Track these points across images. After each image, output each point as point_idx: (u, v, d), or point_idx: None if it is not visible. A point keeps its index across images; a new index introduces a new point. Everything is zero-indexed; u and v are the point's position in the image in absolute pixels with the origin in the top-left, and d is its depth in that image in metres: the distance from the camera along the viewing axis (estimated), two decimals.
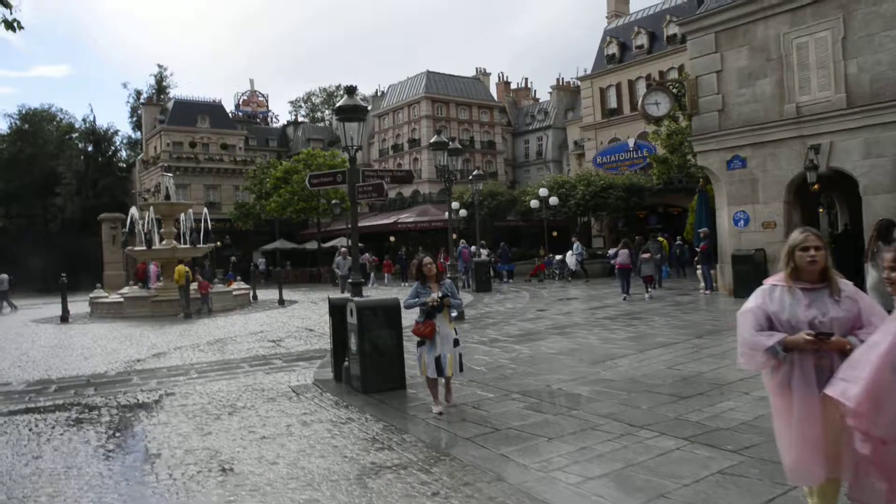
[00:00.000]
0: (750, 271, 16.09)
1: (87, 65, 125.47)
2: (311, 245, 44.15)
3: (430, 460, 5.45)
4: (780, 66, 16.13)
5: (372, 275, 30.67)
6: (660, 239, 24.31)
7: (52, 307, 23.24)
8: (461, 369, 7.25)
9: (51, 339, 15.81)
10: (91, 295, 22.17)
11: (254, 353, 11.94)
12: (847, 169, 15.15)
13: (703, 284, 18.90)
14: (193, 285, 20.12)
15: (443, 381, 7.15)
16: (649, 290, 18.03)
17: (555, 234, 42.86)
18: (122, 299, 21.29)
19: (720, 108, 17.17)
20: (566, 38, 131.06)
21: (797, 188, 16.37)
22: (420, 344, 6.98)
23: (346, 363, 8.61)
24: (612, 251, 30.11)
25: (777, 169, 16.30)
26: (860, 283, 5.62)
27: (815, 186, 16.30)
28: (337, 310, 8.97)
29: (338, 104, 8.75)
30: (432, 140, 14.84)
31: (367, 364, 8.05)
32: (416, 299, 6.94)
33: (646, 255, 18.57)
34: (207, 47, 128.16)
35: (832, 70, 15.19)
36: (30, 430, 7.08)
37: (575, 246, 28.18)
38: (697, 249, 18.07)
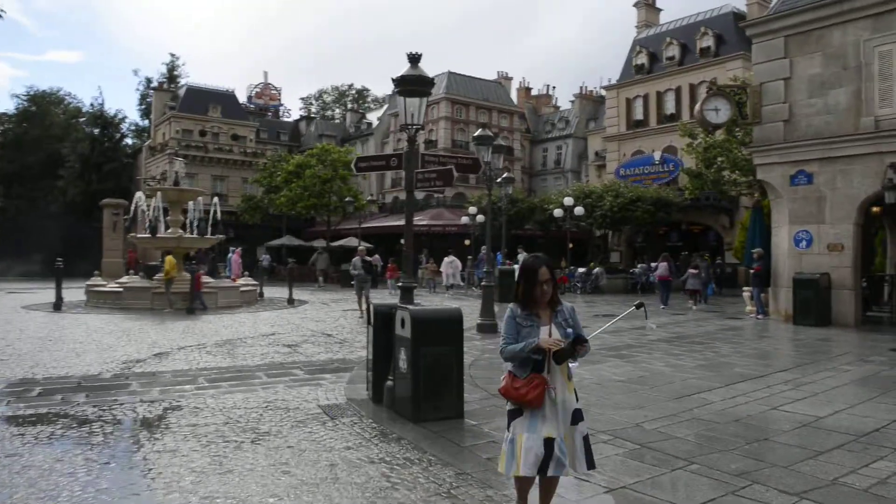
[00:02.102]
0: (813, 297, 14.73)
1: (100, 52, 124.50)
2: (319, 243, 42.67)
3: None
4: (858, 75, 14.73)
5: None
6: (706, 257, 23.46)
7: (47, 293, 21.74)
8: (590, 463, 4.00)
9: (41, 328, 14.33)
10: (88, 282, 20.67)
11: (269, 360, 10.46)
12: None
13: (749, 307, 17.51)
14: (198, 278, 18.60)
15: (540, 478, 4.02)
16: (693, 303, 19.59)
17: (570, 245, 41.54)
18: (120, 289, 19.80)
19: (786, 119, 15.76)
20: (590, 49, 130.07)
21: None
22: (515, 414, 3.96)
23: (391, 382, 7.14)
24: (636, 267, 28.88)
25: (848, 187, 14.86)
26: None
27: (876, 210, 14.95)
28: (382, 318, 7.51)
29: (400, 74, 7.31)
30: (476, 133, 13.37)
31: (421, 387, 6.59)
32: (520, 343, 3.94)
33: (694, 271, 19.72)
34: (222, 42, 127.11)
35: None
36: None
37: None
38: (751, 271, 16.59)
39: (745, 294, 17.71)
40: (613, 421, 6.76)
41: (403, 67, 7.33)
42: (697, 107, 16.78)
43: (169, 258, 19.21)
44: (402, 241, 32.46)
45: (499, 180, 25.07)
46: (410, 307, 6.78)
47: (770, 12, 16.30)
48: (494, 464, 5.35)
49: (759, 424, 6.65)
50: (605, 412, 7.14)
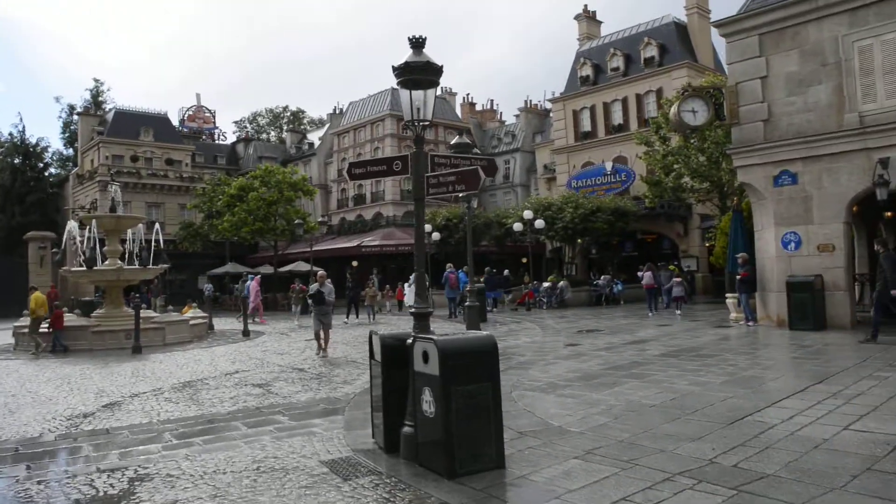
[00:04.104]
0: (808, 300, 14.12)
1: (20, 82, 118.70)
2: (266, 269, 40.78)
3: None
4: (837, 71, 14.32)
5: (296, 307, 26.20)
6: (671, 267, 23.24)
7: None
8: None
9: None
10: (16, 324, 18.55)
11: (242, 405, 9.03)
12: None
13: (734, 314, 16.90)
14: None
15: None
16: (678, 308, 20.70)
17: (524, 260, 40.83)
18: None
19: (765, 118, 15.25)
20: (529, 63, 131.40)
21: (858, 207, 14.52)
22: None
23: (410, 429, 5.92)
24: (600, 279, 28.29)
25: (835, 185, 14.38)
26: None
27: (889, 215, 14.62)
28: (392, 352, 6.29)
29: (402, 61, 6.17)
30: (453, 142, 12.28)
31: (454, 434, 5.40)
32: None
33: (678, 279, 21.33)
34: (145, 68, 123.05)
35: None
36: None
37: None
38: (737, 276, 15.95)
39: (730, 301, 17.08)
40: (680, 458, 5.70)
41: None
42: (674, 109, 16.16)
43: (35, 295, 17.38)
44: (354, 263, 30.78)
45: (461, 195, 24.14)
46: (435, 337, 5.59)
47: (742, 10, 15.81)
48: None
49: (846, 449, 5.71)
50: (663, 446, 6.09)
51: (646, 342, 13.95)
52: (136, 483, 5.64)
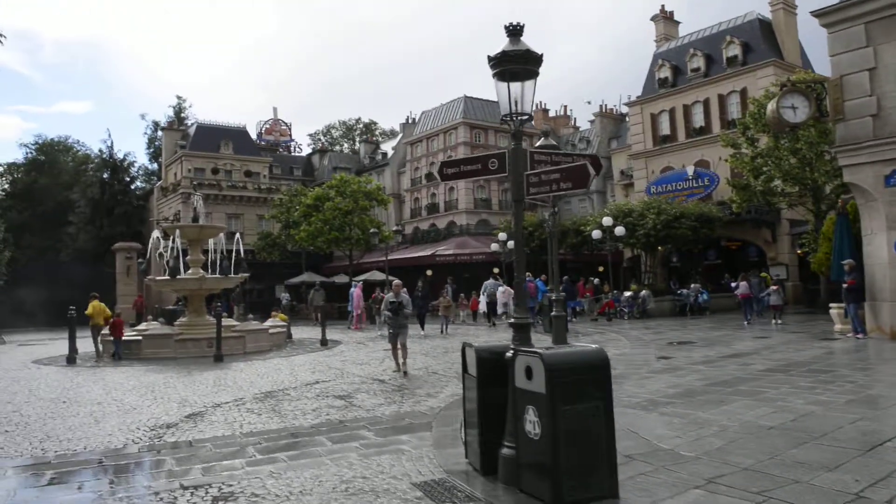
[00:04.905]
0: None
1: (107, 100, 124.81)
2: (341, 279, 41.04)
3: None
4: None
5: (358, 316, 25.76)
6: (763, 275, 22.33)
7: (59, 344, 20.13)
8: None
9: (53, 387, 12.62)
10: (103, 332, 18.97)
11: (325, 417, 8.71)
12: None
13: (839, 326, 15.66)
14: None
15: None
16: (777, 318, 20.21)
17: (601, 269, 39.67)
18: (139, 337, 18.14)
19: (874, 113, 14.08)
20: (600, 67, 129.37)
21: None
22: None
23: (510, 451, 5.40)
24: (688, 287, 27.10)
25: None
26: None
27: None
28: (488, 366, 5.80)
29: (499, 50, 5.70)
30: (538, 144, 11.71)
31: (562, 458, 4.85)
32: None
33: (775, 287, 21.11)
34: (225, 83, 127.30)
35: None
36: None
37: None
38: (843, 285, 14.76)
39: (834, 311, 15.84)
40: (820, 491, 4.99)
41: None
42: (772, 105, 15.14)
43: (94, 303, 18.12)
44: (429, 272, 30.07)
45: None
46: (540, 351, 5.06)
47: None
48: None
49: None
50: (795, 475, 5.38)
51: (746, 356, 13.00)
52: (221, 503, 5.32)
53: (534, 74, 5.72)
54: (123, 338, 17.60)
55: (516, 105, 5.74)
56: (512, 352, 5.52)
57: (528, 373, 5.12)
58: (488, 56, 5.74)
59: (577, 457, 4.90)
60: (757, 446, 6.34)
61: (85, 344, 18.17)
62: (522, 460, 5.26)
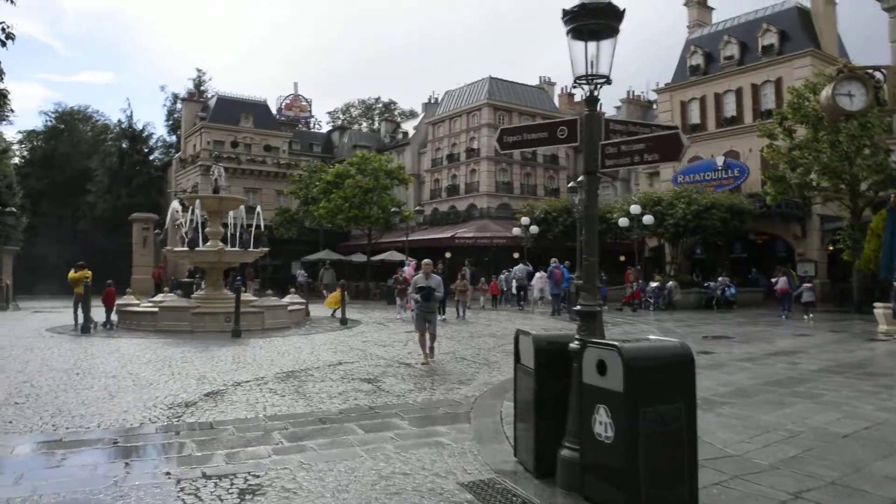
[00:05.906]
0: None
1: (128, 71, 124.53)
2: (358, 258, 40.53)
3: None
4: None
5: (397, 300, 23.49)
6: (790, 271, 22.00)
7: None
8: None
9: (67, 358, 12.17)
10: (119, 301, 18.55)
11: (353, 402, 8.15)
12: None
13: (885, 327, 14.95)
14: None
15: None
16: (810, 313, 20.30)
17: (622, 258, 38.89)
18: (156, 309, 17.68)
19: None
20: (629, 52, 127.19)
21: None
22: None
23: (572, 452, 4.81)
24: (717, 279, 26.33)
25: None
26: None
27: None
28: (549, 358, 5.19)
29: (573, 5, 5.03)
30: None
31: (640, 465, 4.25)
32: None
33: (808, 285, 21.17)
34: (245, 58, 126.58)
35: None
36: None
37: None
38: (894, 284, 14.00)
39: (880, 311, 15.10)
40: None
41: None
42: (826, 92, 14.29)
43: (71, 274, 18.21)
44: (448, 254, 29.17)
45: (570, 184, 22.68)
46: (618, 344, 4.44)
47: None
48: None
49: None
50: (889, 492, 4.78)
51: (793, 354, 12.33)
52: (248, 497, 4.77)
53: (614, 32, 5.05)
54: (137, 309, 17.14)
55: (592, 66, 5.08)
56: (578, 343, 4.92)
57: (601, 367, 4.51)
58: (563, 10, 5.07)
59: (655, 465, 4.30)
60: (837, 457, 5.72)
61: (99, 313, 17.72)
62: (588, 464, 4.67)
